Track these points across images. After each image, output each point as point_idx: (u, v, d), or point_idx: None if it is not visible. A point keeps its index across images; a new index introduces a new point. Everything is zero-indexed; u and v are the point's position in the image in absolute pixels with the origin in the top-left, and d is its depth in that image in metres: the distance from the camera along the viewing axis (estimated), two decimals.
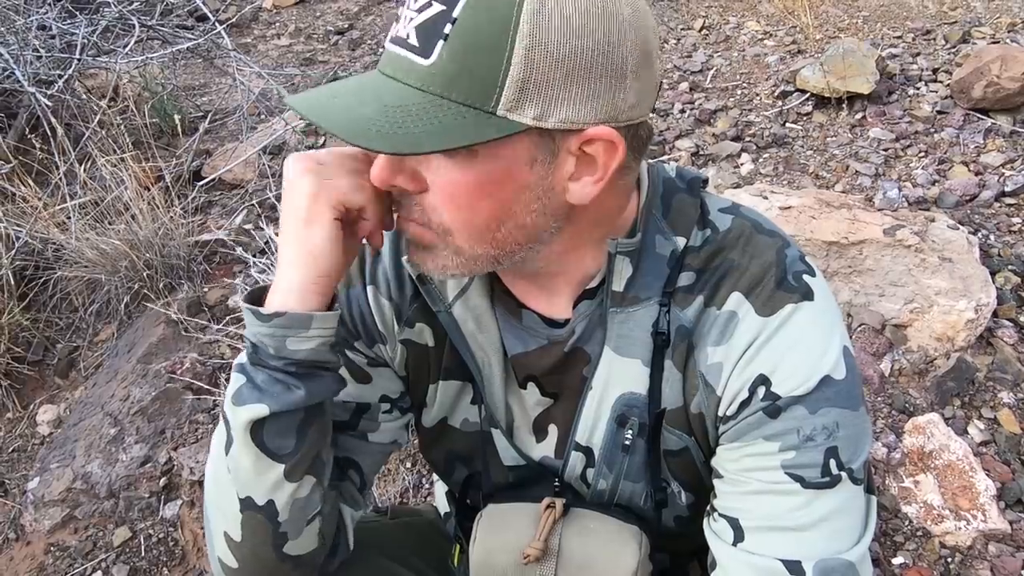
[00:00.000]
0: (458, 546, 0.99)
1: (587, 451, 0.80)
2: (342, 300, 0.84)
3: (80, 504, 1.87)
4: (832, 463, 0.67)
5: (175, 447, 1.95)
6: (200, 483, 1.88)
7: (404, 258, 0.79)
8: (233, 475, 0.72)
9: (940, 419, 1.66)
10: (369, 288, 0.84)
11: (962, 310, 1.78)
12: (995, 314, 1.85)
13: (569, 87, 0.58)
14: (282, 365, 0.68)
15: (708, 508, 0.76)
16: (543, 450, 0.84)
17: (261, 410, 0.67)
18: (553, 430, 0.83)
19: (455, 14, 0.57)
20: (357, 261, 0.85)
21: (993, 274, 1.93)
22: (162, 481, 1.89)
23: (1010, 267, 2.00)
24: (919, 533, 1.52)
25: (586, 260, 0.73)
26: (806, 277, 0.71)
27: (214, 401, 2.02)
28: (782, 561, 0.67)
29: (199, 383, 2.03)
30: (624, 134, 0.63)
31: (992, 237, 2.12)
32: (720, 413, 0.73)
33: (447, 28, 0.57)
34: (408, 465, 1.76)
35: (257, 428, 0.68)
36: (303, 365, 0.68)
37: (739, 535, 0.70)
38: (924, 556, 1.48)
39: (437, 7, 0.58)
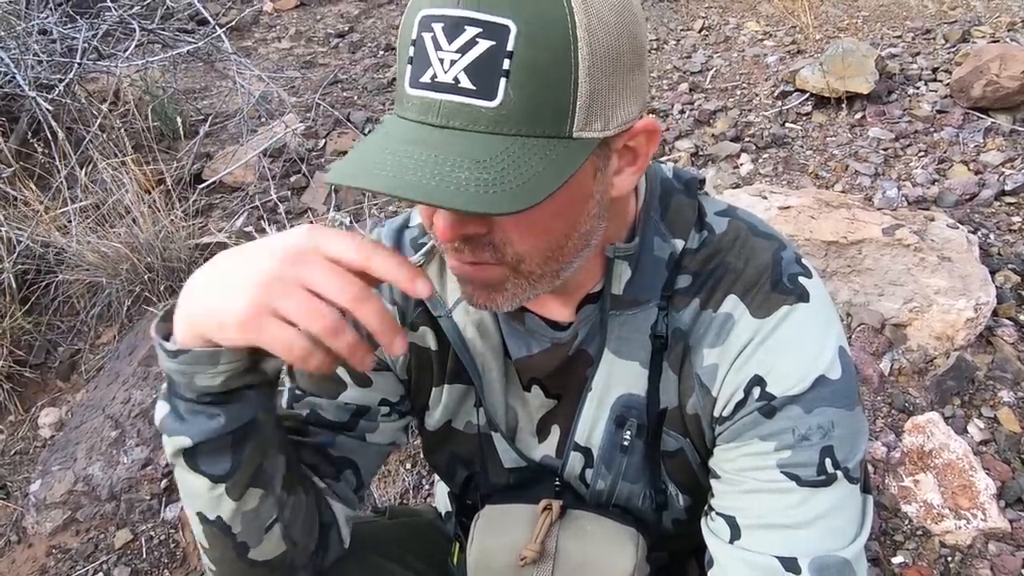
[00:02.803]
0: (458, 545, 0.99)
1: (586, 451, 0.81)
2: None
3: (81, 506, 1.87)
4: (827, 462, 0.68)
5: None
6: None
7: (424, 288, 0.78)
8: (182, 492, 0.71)
9: (940, 418, 1.66)
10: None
11: (961, 309, 1.78)
12: (995, 313, 1.85)
13: (620, 89, 0.58)
14: (196, 397, 0.64)
15: (706, 508, 0.77)
16: (544, 450, 0.85)
17: (185, 441, 0.64)
18: (555, 430, 0.83)
19: (509, 47, 0.53)
20: None
21: (993, 273, 1.93)
22: (163, 483, 1.89)
23: (1010, 266, 2.00)
24: (919, 532, 1.52)
25: (590, 266, 0.73)
26: (802, 279, 0.72)
27: None
28: (778, 558, 0.67)
29: None
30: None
31: (992, 236, 2.12)
32: (716, 414, 0.73)
33: (505, 64, 0.53)
34: (408, 466, 1.76)
35: (190, 454, 0.66)
36: (219, 395, 0.64)
37: (736, 533, 0.70)
38: (924, 555, 1.48)
39: (485, 44, 0.53)
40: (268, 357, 0.65)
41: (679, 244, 0.73)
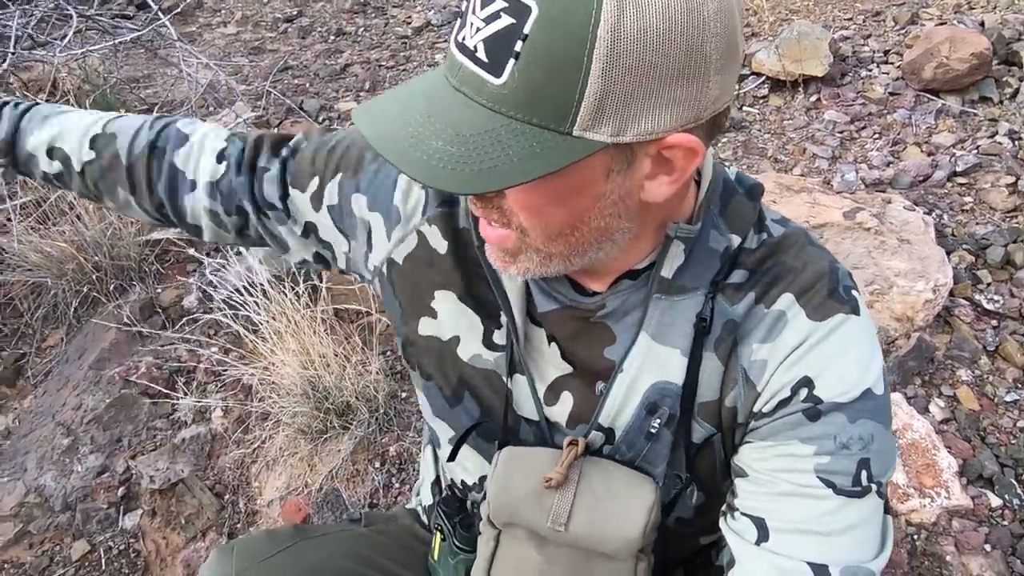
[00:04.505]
0: (439, 535, 0.96)
1: (608, 431, 0.79)
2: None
3: (34, 518, 1.80)
4: (863, 474, 0.68)
5: (133, 455, 1.88)
6: (161, 491, 1.82)
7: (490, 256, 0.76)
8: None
9: (903, 399, 1.69)
10: None
11: (921, 290, 1.81)
12: (951, 293, 1.89)
13: (648, 99, 0.55)
14: None
15: (724, 508, 0.76)
16: (554, 415, 0.82)
17: None
18: (567, 399, 0.81)
19: (526, 30, 0.53)
20: None
21: (948, 253, 1.97)
22: (120, 491, 1.82)
23: (964, 246, 2.04)
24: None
25: (641, 245, 0.72)
26: (854, 293, 0.73)
27: (172, 406, 1.96)
28: (809, 564, 0.67)
29: (156, 388, 1.97)
30: (705, 131, 0.60)
31: (946, 217, 2.17)
32: (755, 409, 0.72)
33: (518, 45, 0.53)
34: (377, 465, 1.73)
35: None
36: None
37: (764, 535, 0.70)
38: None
39: (506, 20, 0.53)
40: None
41: (735, 240, 0.73)
